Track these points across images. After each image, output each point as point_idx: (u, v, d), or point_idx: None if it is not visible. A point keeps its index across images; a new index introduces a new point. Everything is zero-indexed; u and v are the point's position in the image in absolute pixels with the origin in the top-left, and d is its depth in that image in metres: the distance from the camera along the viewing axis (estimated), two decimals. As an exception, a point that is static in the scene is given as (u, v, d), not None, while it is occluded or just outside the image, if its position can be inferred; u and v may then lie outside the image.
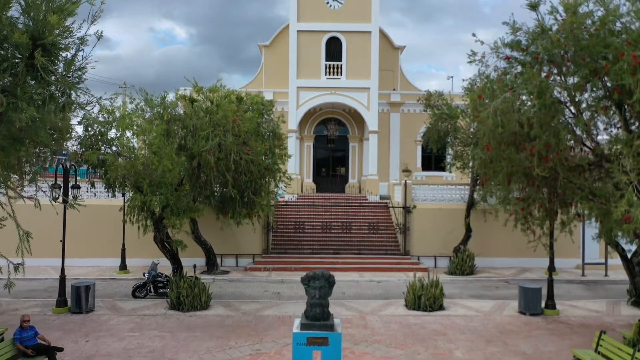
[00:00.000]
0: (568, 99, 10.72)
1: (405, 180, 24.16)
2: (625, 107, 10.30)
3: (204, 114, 13.94)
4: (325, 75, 29.80)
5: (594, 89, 10.39)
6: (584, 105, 10.85)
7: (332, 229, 24.22)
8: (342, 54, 29.74)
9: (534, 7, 10.83)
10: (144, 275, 17.94)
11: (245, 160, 13.43)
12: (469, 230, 22.95)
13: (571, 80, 10.71)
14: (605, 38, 10.05)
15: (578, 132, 10.88)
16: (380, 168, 31.49)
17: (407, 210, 23.90)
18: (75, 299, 15.17)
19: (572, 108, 10.83)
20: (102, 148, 15.51)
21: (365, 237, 24.18)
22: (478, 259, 22.75)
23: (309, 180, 34.02)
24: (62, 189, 15.74)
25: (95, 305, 15.76)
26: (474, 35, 11.48)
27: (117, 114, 15.74)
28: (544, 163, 11.06)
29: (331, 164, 34.90)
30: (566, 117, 10.80)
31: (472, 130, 22.76)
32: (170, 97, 16.24)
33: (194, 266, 18.34)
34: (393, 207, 24.84)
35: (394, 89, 34.67)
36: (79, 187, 17.02)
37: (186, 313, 15.15)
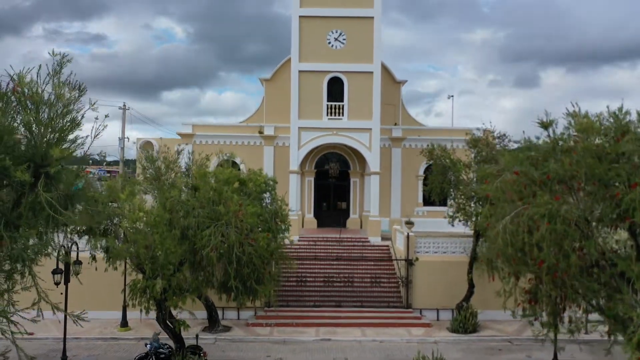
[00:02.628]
0: (579, 219, 10.57)
1: (408, 233, 24.04)
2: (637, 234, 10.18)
3: (206, 203, 13.83)
4: (327, 115, 29.66)
5: (606, 214, 10.24)
6: (594, 223, 10.72)
7: (334, 281, 24.09)
8: (344, 94, 29.58)
9: (546, 127, 10.70)
10: (145, 345, 17.80)
11: (249, 253, 13.33)
12: (471, 286, 22.84)
13: (583, 201, 10.57)
14: (619, 165, 9.93)
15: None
16: (381, 203, 31.35)
17: (409, 262, 23.80)
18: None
19: (583, 229, 10.69)
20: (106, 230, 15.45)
21: (367, 290, 24.08)
22: (480, 312, 22.64)
23: (309, 216, 33.95)
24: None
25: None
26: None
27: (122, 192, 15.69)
28: (552, 278, 10.97)
29: (332, 198, 34.80)
30: (577, 239, 10.64)
31: (474, 185, 22.72)
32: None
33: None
34: (396, 259, 24.73)
35: (395, 124, 34.58)
36: (80, 263, 16.95)
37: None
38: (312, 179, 34.00)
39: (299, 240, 28.45)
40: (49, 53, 11.68)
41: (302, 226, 33.12)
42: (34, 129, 9.48)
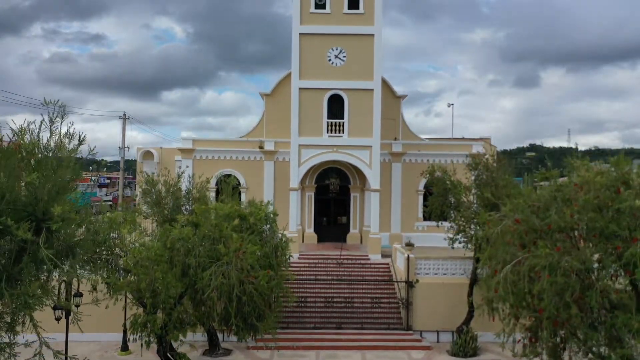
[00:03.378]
0: (580, 270, 10.59)
1: (408, 255, 24.06)
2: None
3: (207, 241, 13.86)
4: (327, 132, 29.62)
5: (607, 265, 10.26)
6: (595, 274, 10.74)
7: (335, 303, 24.11)
8: (344, 111, 29.55)
9: (547, 178, 10.71)
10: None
11: (249, 292, 13.35)
12: (471, 308, 22.85)
13: (584, 252, 10.58)
14: (619, 218, 9.94)
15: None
16: (381, 218, 31.29)
17: (409, 284, 23.81)
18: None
19: (584, 279, 10.71)
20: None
21: (367, 311, 24.10)
22: (481, 334, 22.64)
23: (310, 231, 33.96)
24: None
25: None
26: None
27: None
28: (552, 325, 10.99)
29: (332, 213, 34.81)
30: (578, 290, 10.66)
31: (474, 208, 22.75)
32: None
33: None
34: (396, 281, 24.75)
35: (395, 138, 34.57)
36: (81, 295, 16.95)
37: None
38: (313, 194, 34.01)
39: (299, 258, 28.48)
40: (42, 103, 11.74)
41: (303, 241, 33.16)
42: (35, 183, 9.49)
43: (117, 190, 66.27)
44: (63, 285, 15.80)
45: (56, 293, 15.81)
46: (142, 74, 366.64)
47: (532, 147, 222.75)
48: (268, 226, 16.27)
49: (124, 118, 53.60)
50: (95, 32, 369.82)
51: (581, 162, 11.55)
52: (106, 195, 70.93)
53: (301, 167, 29.66)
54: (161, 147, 53.17)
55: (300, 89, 29.42)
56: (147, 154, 52.08)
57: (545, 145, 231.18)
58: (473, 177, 23.08)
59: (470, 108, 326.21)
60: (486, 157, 23.45)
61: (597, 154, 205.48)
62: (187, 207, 21.69)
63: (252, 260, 13.23)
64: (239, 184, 33.80)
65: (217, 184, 34.08)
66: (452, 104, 55.69)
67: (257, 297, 13.73)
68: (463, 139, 78.12)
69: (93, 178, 69.57)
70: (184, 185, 22.64)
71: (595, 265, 10.69)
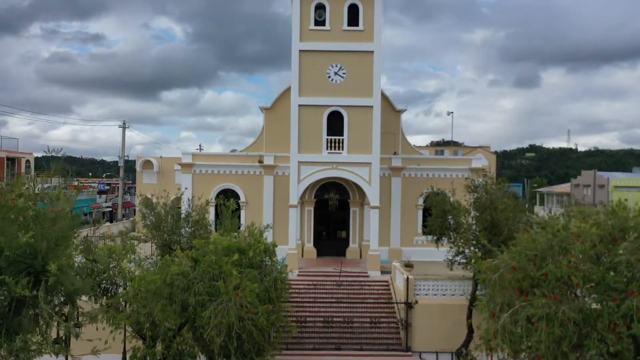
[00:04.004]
0: (577, 319, 10.62)
1: (407, 276, 24.10)
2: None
3: (206, 277, 13.90)
4: (327, 149, 29.65)
5: (605, 314, 10.28)
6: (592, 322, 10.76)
7: (334, 323, 24.14)
8: (344, 128, 29.57)
9: (544, 227, 10.74)
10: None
11: (249, 330, 13.38)
12: (470, 331, 22.89)
13: (581, 300, 10.62)
14: (616, 269, 9.98)
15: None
16: (381, 232, 31.28)
17: (409, 305, 23.86)
18: None
19: (582, 328, 10.74)
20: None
21: (367, 331, 24.13)
22: (480, 356, 22.69)
23: (309, 245, 34.03)
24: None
25: None
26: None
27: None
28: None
29: (332, 227, 34.85)
30: (576, 339, 10.69)
31: (474, 229, 22.77)
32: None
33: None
34: (396, 302, 24.79)
35: (395, 153, 34.61)
36: (80, 326, 16.99)
37: None
38: (312, 209, 34.06)
39: (298, 275, 28.56)
40: (44, 151, 11.78)
41: (302, 255, 33.23)
42: (31, 242, 9.54)
43: (117, 196, 66.28)
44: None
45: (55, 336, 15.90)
46: (141, 74, 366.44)
47: (532, 148, 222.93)
48: (267, 257, 16.29)
49: (124, 127, 53.61)
50: (94, 32, 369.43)
51: (578, 209, 11.58)
52: (105, 202, 71.03)
53: (300, 184, 29.69)
54: (161, 157, 53.31)
55: (299, 105, 29.45)
56: (147, 163, 52.23)
57: (545, 146, 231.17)
58: (472, 200, 23.09)
59: (470, 108, 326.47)
60: (485, 178, 23.39)
61: (597, 154, 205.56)
62: (187, 229, 21.72)
63: (251, 298, 13.27)
64: (239, 200, 33.86)
65: (216, 197, 34.18)
66: (452, 112, 55.81)
67: (257, 334, 13.76)
68: (463, 146, 78.34)
69: (93, 185, 69.69)
70: (183, 206, 22.67)
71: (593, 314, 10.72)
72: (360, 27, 29.52)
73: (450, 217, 23.50)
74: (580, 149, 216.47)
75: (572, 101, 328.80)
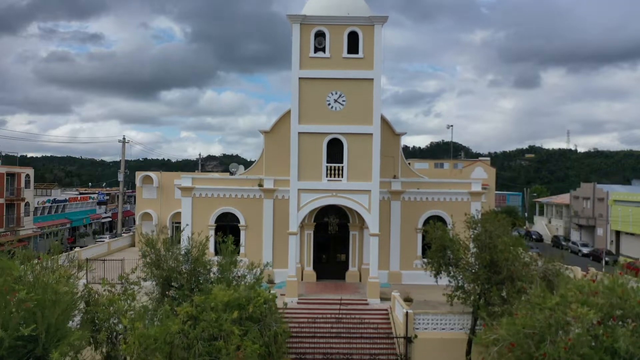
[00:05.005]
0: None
1: (407, 311, 24.15)
2: None
3: (206, 335, 13.96)
4: (327, 177, 29.63)
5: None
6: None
7: (334, 358, 24.20)
8: (344, 155, 29.55)
9: (541, 308, 10.77)
10: None
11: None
12: (470, 367, 22.99)
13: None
14: (614, 353, 10.02)
15: None
16: (381, 255, 31.28)
17: (408, 340, 23.92)
18: None
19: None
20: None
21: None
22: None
23: (309, 269, 34.08)
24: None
25: None
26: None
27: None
28: None
29: (331, 250, 34.89)
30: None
31: (475, 269, 22.80)
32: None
33: None
34: (395, 337, 24.85)
35: (394, 176, 34.64)
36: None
37: None
38: (312, 232, 34.10)
39: (298, 303, 28.59)
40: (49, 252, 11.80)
41: (302, 279, 33.28)
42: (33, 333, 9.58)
43: (117, 206, 66.35)
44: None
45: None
46: (140, 74, 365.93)
47: (532, 149, 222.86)
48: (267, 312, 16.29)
49: (124, 142, 53.65)
50: (93, 32, 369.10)
51: (576, 286, 11.59)
52: (105, 212, 71.06)
53: (300, 212, 29.69)
54: (160, 172, 53.41)
55: (299, 133, 29.43)
56: (147, 179, 52.37)
57: (544, 146, 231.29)
58: (471, 236, 23.13)
59: (470, 108, 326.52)
60: (486, 217, 23.35)
61: (596, 155, 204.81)
62: (186, 267, 21.77)
63: (253, 359, 13.34)
64: (239, 224, 33.93)
65: (216, 221, 34.27)
66: (452, 125, 55.86)
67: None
68: (461, 159, 78.32)
69: (93, 196, 69.71)
70: (183, 243, 22.68)
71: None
72: (360, 54, 29.50)
73: (449, 251, 23.54)
74: (580, 149, 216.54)
75: (572, 102, 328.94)
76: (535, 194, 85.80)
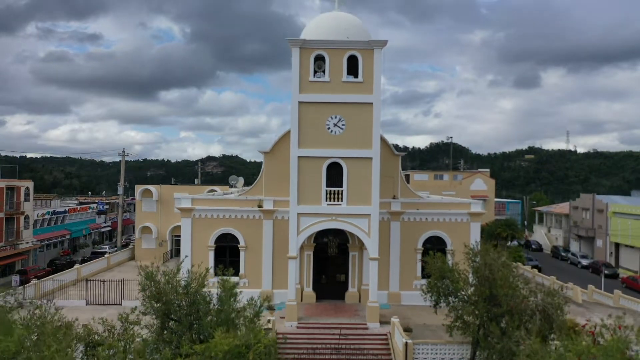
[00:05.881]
0: None
1: (407, 341, 24.17)
2: None
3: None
4: (326, 201, 29.61)
5: None
6: None
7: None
8: (343, 179, 29.51)
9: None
10: None
11: None
12: (469, 398, 23.02)
13: None
14: None
15: None
16: (380, 276, 31.25)
17: (407, 370, 23.95)
18: None
19: None
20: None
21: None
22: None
23: (308, 290, 34.09)
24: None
25: None
26: None
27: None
28: None
29: (331, 271, 34.86)
30: None
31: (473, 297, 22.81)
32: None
33: None
34: (394, 366, 24.88)
35: (394, 197, 34.63)
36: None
37: None
38: (311, 253, 34.09)
39: (297, 327, 28.62)
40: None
41: (301, 299, 33.28)
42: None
43: (116, 215, 66.31)
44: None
45: None
46: (140, 74, 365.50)
47: (531, 149, 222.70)
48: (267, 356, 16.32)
49: (123, 155, 53.62)
50: (92, 32, 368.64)
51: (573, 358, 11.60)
52: (105, 222, 71.00)
53: (300, 236, 29.65)
54: (160, 185, 53.35)
55: (299, 157, 29.40)
56: (146, 192, 52.35)
57: (544, 147, 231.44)
58: (471, 268, 23.14)
59: (470, 109, 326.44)
60: (485, 252, 23.19)
61: (596, 156, 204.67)
62: (186, 300, 21.75)
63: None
64: (238, 242, 33.91)
65: (215, 242, 34.25)
66: (451, 137, 55.86)
67: None
68: (460, 170, 78.31)
69: (92, 206, 69.62)
70: (182, 276, 22.66)
71: None
72: (360, 78, 29.48)
73: (449, 281, 23.54)
74: (580, 150, 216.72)
75: (572, 102, 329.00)
76: (534, 202, 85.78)
